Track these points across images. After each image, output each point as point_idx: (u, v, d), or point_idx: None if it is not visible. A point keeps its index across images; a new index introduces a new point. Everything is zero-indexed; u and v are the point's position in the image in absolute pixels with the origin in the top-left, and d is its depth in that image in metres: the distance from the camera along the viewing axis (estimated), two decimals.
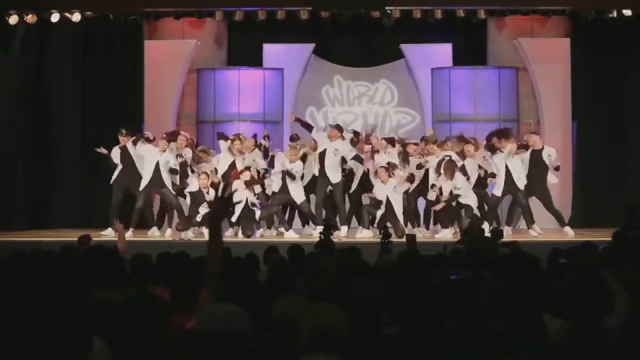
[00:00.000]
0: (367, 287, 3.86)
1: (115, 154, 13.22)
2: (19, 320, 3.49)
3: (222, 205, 4.27)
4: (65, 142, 15.55)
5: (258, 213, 12.51)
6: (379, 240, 8.88)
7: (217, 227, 4.12)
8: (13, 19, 14.26)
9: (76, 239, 8.50)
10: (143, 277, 5.24)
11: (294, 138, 13.60)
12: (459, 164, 12.58)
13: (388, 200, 12.38)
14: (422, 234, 12.60)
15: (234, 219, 12.41)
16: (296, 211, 13.30)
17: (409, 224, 12.81)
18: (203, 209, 12.13)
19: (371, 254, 7.50)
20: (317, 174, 12.84)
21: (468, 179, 12.55)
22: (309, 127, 13.35)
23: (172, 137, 13.00)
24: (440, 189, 12.47)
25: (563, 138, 15.24)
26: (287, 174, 12.57)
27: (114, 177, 13.21)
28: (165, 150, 12.76)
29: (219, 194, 4.19)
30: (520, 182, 12.64)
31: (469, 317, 3.76)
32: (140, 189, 12.81)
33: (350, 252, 6.85)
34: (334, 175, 12.70)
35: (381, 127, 16.00)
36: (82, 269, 5.39)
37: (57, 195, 15.40)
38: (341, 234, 12.38)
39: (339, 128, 12.99)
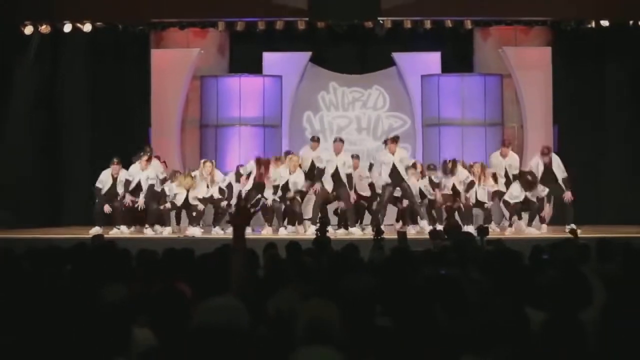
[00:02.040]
0: (360, 282, 3.85)
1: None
2: (32, 314, 3.49)
3: (244, 212, 4.23)
4: (77, 144, 15.57)
5: None
6: (372, 237, 8.86)
7: (241, 233, 4.09)
8: (28, 29, 14.28)
9: (87, 235, 8.50)
10: (149, 273, 5.24)
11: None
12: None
13: None
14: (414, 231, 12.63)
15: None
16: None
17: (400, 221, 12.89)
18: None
19: (365, 250, 7.51)
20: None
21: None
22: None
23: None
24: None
25: (545, 141, 15.17)
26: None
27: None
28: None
29: (241, 201, 4.18)
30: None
31: (456, 309, 3.77)
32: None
33: (347, 249, 6.85)
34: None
35: (374, 131, 16.02)
36: (92, 265, 5.39)
37: (70, 194, 15.41)
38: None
39: (343, 141, 13.15)
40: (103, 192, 13.16)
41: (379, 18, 14.22)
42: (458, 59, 15.97)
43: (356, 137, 15.85)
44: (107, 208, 13.01)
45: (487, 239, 8.32)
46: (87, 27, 14.40)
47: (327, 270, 5.15)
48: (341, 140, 13.24)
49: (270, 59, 15.94)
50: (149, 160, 13.05)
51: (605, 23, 14.29)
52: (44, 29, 14.30)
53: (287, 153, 13.55)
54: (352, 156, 13.23)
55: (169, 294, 3.64)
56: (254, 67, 15.93)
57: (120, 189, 13.04)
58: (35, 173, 15.07)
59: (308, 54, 15.92)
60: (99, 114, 15.69)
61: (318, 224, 9.14)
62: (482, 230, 8.67)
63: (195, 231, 12.57)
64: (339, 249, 6.93)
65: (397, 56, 15.84)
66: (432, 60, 15.77)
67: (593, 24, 14.42)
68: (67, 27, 14.35)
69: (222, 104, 15.74)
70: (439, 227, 11.52)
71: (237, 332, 2.97)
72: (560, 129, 15.39)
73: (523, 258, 5.84)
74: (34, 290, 4.23)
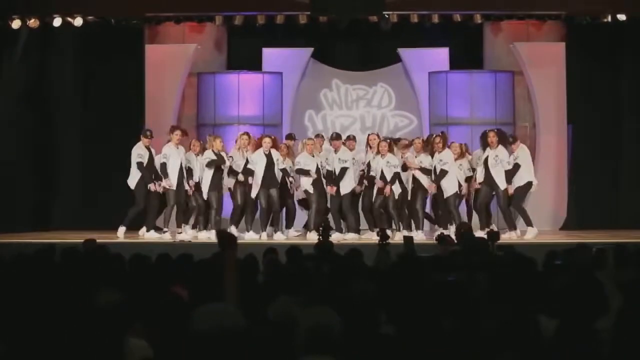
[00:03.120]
0: (363, 288, 3.85)
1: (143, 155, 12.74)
2: (24, 321, 3.50)
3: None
4: (67, 144, 15.56)
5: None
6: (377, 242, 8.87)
7: (232, 252, 4.08)
8: (16, 24, 14.23)
9: (76, 240, 8.51)
10: (142, 278, 5.25)
11: (291, 136, 13.66)
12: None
13: None
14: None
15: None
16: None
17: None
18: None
19: (370, 255, 7.51)
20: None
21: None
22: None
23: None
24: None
25: (558, 141, 15.24)
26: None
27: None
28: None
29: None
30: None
31: (463, 316, 3.77)
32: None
33: (351, 254, 6.85)
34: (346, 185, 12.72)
35: (379, 130, 15.98)
36: (84, 270, 5.40)
37: (59, 196, 15.40)
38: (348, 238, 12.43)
39: (339, 137, 13.08)
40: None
41: (383, 12, 14.21)
42: (467, 55, 15.97)
43: (360, 136, 15.81)
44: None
45: (498, 244, 8.33)
46: (78, 22, 14.37)
47: (329, 276, 5.15)
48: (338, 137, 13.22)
49: (270, 55, 15.94)
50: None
51: (622, 17, 14.25)
52: (33, 23, 14.27)
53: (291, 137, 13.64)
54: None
55: (165, 299, 3.65)
56: (253, 64, 15.94)
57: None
58: (22, 174, 15.01)
59: (310, 50, 15.92)
60: (90, 113, 15.68)
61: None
62: (493, 235, 8.67)
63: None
64: (343, 254, 6.92)
65: (403, 52, 15.84)
66: (439, 56, 15.77)
67: (609, 18, 14.38)
68: (57, 21, 14.32)
69: (220, 102, 15.75)
70: (446, 231, 11.50)
71: (233, 340, 2.96)
72: (575, 128, 15.38)
73: (536, 264, 5.84)
74: (24, 297, 4.24)
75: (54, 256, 6.86)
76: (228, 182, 12.81)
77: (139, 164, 12.65)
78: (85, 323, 3.41)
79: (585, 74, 15.28)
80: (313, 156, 12.79)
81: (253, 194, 12.66)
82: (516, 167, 12.55)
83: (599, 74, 15.33)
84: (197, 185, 12.67)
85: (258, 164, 12.63)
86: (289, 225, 13.12)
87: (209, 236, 12.39)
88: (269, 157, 12.68)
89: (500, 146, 12.61)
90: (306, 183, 12.73)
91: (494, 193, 12.66)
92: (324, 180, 12.80)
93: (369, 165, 12.76)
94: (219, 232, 4.26)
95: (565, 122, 15.27)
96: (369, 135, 13.33)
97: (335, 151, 12.88)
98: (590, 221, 14.61)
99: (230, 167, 12.68)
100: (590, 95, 15.32)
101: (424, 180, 12.67)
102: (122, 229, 12.59)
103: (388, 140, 12.88)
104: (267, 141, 12.76)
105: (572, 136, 15.39)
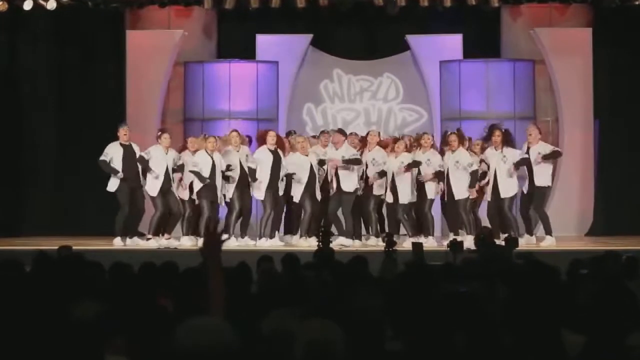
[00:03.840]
0: (368, 300, 3.86)
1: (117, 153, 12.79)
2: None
3: (214, 240, 4.18)
4: (40, 142, 15.53)
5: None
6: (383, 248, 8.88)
7: (217, 263, 4.07)
8: None
9: (49, 247, 8.51)
10: (123, 289, 5.26)
11: (291, 134, 13.67)
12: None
13: None
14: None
15: None
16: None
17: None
18: None
19: (375, 263, 7.51)
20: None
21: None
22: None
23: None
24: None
25: (584, 137, 15.24)
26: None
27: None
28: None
29: (209, 227, 4.13)
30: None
31: (477, 331, 3.77)
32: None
33: (355, 262, 6.85)
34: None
35: (385, 125, 16.01)
36: (59, 280, 5.40)
37: (31, 198, 15.37)
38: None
39: (342, 132, 13.10)
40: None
41: None
42: (482, 42, 15.99)
43: (364, 132, 15.85)
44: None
45: (517, 252, 8.35)
46: (51, 5, 14.38)
47: (330, 287, 5.15)
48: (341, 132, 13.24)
49: (265, 42, 15.96)
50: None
51: None
52: (1, 5, 14.28)
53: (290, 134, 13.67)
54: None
55: (148, 311, 3.66)
56: (246, 52, 15.96)
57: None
58: None
59: (309, 37, 15.94)
60: (65, 106, 15.67)
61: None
62: (511, 241, 8.69)
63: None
64: (345, 262, 6.93)
65: (411, 39, 15.86)
66: (452, 43, 15.79)
67: None
68: (28, 4, 14.31)
69: (209, 94, 15.76)
70: (460, 238, 11.50)
71: (220, 357, 2.96)
72: (602, 124, 15.37)
73: (559, 273, 5.85)
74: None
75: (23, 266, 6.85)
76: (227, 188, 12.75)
77: (102, 162, 12.68)
78: (59, 339, 3.40)
79: (614, 63, 15.26)
80: (307, 155, 12.76)
81: (259, 196, 12.65)
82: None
83: (629, 62, 15.30)
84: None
85: (264, 163, 12.61)
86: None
87: (196, 243, 12.41)
88: (275, 153, 12.64)
89: (507, 147, 12.62)
90: (296, 190, 12.73)
91: (502, 197, 12.66)
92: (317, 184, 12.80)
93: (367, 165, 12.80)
94: (205, 235, 4.25)
95: (591, 117, 15.26)
96: (368, 132, 13.35)
97: (337, 148, 12.88)
98: (619, 226, 14.61)
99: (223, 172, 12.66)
100: (620, 86, 15.30)
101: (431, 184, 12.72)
102: (117, 240, 12.67)
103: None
104: (272, 135, 12.73)
105: (600, 132, 15.38)
